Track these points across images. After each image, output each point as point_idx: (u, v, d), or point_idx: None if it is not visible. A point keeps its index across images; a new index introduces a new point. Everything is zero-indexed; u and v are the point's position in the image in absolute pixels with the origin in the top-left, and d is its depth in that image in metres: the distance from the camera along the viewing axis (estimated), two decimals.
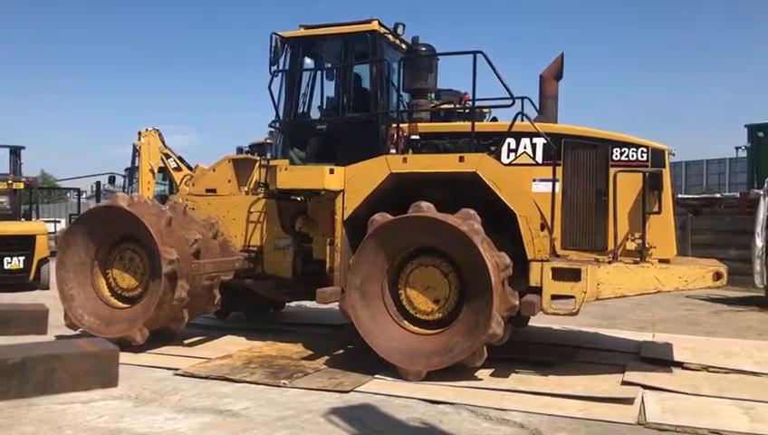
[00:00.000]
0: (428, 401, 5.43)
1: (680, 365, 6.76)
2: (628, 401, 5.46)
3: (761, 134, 15.98)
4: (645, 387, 5.86)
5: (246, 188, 8.35)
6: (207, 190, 8.45)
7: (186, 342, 7.71)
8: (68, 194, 31.06)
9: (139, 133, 13.57)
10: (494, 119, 7.71)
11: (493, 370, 6.30)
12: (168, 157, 13.39)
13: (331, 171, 6.88)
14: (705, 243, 14.43)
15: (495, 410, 5.20)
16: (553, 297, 6.10)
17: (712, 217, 15.46)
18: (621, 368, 6.55)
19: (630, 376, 6.19)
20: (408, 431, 4.78)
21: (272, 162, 7.71)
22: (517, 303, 6.05)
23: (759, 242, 11.39)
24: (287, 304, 10.08)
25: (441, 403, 5.38)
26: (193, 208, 8.17)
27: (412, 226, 6.27)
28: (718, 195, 18.38)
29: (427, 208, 6.24)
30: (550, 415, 5.10)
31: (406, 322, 6.39)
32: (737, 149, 30.04)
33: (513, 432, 4.76)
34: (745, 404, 5.42)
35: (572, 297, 6.03)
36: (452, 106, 7.89)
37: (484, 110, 7.88)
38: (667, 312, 11.09)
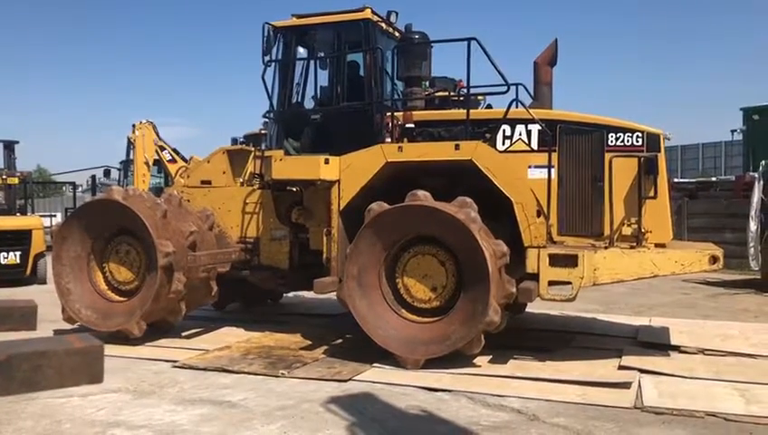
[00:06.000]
0: (427, 388, 5.45)
1: (677, 349, 6.80)
2: (625, 385, 5.48)
3: (756, 117, 15.99)
4: (642, 371, 5.89)
5: (241, 180, 8.32)
6: (202, 182, 8.41)
7: (183, 334, 7.72)
8: (63, 188, 30.98)
9: (134, 126, 13.53)
10: (489, 106, 7.68)
11: (491, 356, 6.32)
12: (162, 149, 13.37)
13: (327, 161, 6.85)
14: (701, 226, 14.48)
15: (493, 397, 5.22)
16: (550, 283, 6.10)
17: (708, 201, 15.51)
18: (618, 353, 6.59)
19: (627, 360, 6.23)
20: (407, 419, 4.79)
21: (266, 153, 7.69)
22: (514, 290, 6.06)
23: (753, 225, 11.42)
24: (284, 294, 10.09)
25: (439, 391, 5.40)
26: (188, 200, 8.13)
27: (409, 215, 6.26)
28: (714, 178, 18.43)
29: (423, 197, 6.23)
30: (548, 400, 5.12)
31: (403, 310, 6.40)
32: (733, 132, 30.12)
33: (511, 418, 4.78)
34: (741, 386, 5.46)
35: (569, 283, 6.04)
36: (446, 94, 7.86)
37: (479, 97, 7.85)
38: (663, 296, 11.14)
